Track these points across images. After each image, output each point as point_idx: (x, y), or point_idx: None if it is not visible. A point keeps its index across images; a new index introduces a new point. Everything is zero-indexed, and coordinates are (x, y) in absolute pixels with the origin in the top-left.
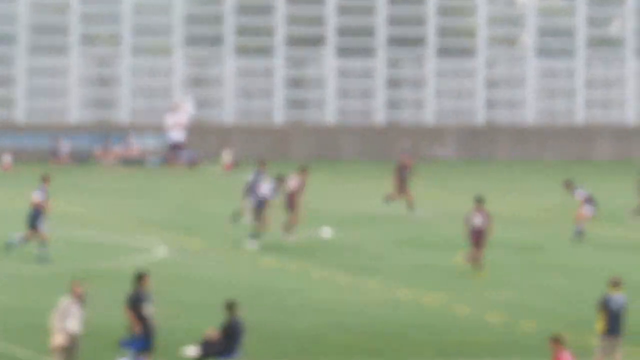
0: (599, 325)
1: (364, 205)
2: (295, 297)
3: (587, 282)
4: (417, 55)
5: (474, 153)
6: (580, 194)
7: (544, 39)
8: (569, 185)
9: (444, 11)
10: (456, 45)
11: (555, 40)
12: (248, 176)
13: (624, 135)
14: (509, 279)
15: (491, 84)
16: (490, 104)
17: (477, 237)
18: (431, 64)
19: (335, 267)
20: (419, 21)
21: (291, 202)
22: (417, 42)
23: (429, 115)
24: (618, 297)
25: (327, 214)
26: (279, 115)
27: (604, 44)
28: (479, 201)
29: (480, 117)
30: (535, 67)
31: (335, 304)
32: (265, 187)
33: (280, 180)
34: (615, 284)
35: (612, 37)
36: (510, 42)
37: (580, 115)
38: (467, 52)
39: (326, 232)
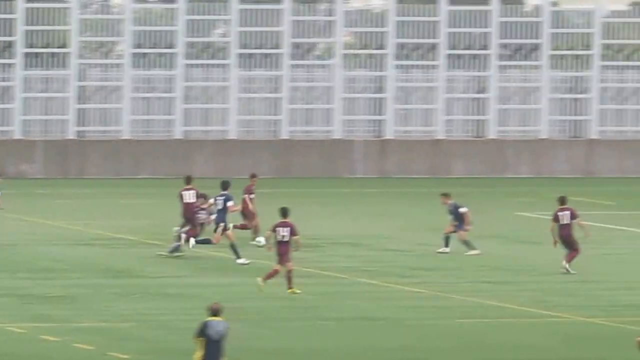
0: (197, 354)
1: None
2: None
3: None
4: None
5: (63, 169)
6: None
7: (140, 46)
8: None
9: (31, 17)
10: (45, 52)
11: (153, 48)
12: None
13: (224, 149)
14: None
15: (83, 94)
16: (83, 117)
17: None
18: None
19: None
20: None
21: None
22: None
23: (16, 129)
24: (217, 323)
25: None
26: None
27: (206, 51)
28: None
29: (71, 130)
30: (131, 77)
31: None
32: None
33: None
34: (215, 310)
35: (214, 44)
36: (105, 49)
37: (178, 130)
38: (58, 60)
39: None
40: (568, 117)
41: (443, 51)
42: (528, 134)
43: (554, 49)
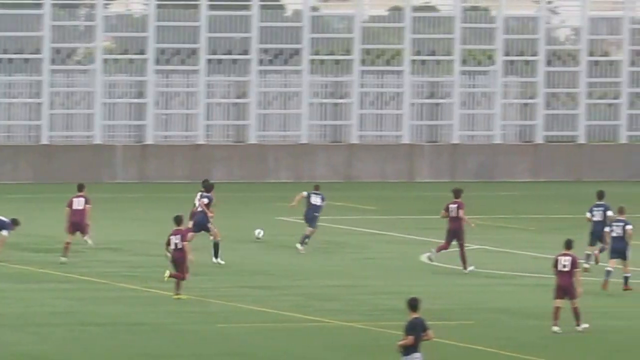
0: None
1: None
2: None
3: None
4: None
5: None
6: None
7: None
8: None
9: None
10: None
11: None
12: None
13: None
14: None
15: None
16: None
17: None
18: None
19: None
20: None
21: None
22: None
23: None
24: None
25: None
26: None
27: None
28: None
29: None
30: None
31: None
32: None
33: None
34: None
35: None
36: None
37: None
38: None
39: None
40: (328, 122)
41: (203, 56)
42: (288, 138)
43: (314, 54)
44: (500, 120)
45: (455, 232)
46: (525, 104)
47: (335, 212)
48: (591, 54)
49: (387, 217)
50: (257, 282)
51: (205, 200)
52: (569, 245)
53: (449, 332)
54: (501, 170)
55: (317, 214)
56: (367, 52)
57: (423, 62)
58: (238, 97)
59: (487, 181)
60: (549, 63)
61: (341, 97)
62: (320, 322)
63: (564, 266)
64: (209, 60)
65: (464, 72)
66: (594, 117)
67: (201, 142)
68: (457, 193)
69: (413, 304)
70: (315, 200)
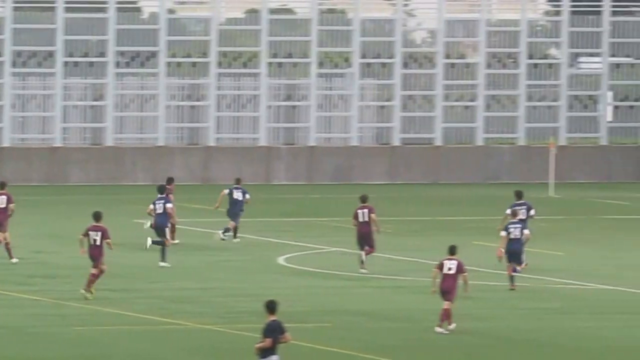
0: None
1: None
2: None
3: None
4: None
5: None
6: None
7: None
8: None
9: None
10: None
11: None
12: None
13: None
14: None
15: None
16: None
17: None
18: None
19: None
20: None
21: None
22: None
23: None
24: None
25: None
26: None
27: None
28: None
29: None
30: None
31: None
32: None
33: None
34: None
35: None
36: None
37: None
38: None
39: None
40: (185, 125)
41: (60, 58)
42: (145, 141)
43: (170, 57)
44: (357, 122)
45: (364, 237)
46: (382, 107)
47: (193, 214)
48: (447, 56)
49: (244, 219)
50: (113, 285)
51: (170, 205)
52: (452, 251)
53: (307, 334)
54: (358, 173)
55: (242, 211)
56: (224, 54)
57: (280, 64)
58: (95, 100)
59: (344, 183)
60: (405, 65)
61: (198, 100)
62: (177, 325)
63: (449, 269)
64: (66, 63)
65: (320, 75)
66: (450, 120)
67: (58, 144)
68: (364, 198)
69: (271, 307)
70: (238, 195)
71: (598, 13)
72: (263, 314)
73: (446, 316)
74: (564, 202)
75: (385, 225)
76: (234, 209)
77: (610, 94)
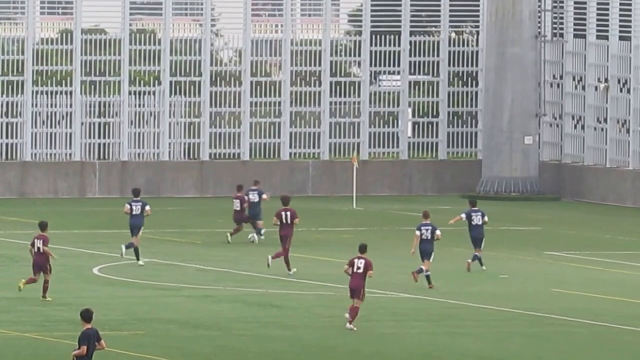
0: None
1: None
2: None
3: None
4: None
5: None
6: None
7: None
8: None
9: None
10: None
11: None
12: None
13: None
14: None
15: None
16: None
17: None
18: None
19: None
20: None
21: None
22: None
23: None
24: None
25: None
26: None
27: None
28: None
29: None
30: None
31: None
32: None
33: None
34: None
35: None
36: None
37: None
38: None
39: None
40: (2, 141)
41: None
42: None
43: None
44: (168, 138)
45: (286, 238)
46: (191, 123)
47: (10, 227)
48: (254, 74)
49: (60, 231)
50: None
51: (148, 208)
52: (362, 249)
53: (121, 341)
54: (169, 186)
55: (260, 210)
56: (39, 73)
57: (93, 82)
58: None
59: (155, 197)
60: (214, 83)
61: (15, 116)
62: None
63: (358, 268)
64: None
65: (132, 92)
66: (257, 135)
67: None
68: (285, 200)
69: (86, 315)
70: (254, 197)
71: (397, 33)
72: (79, 323)
73: (353, 314)
74: (367, 215)
75: (195, 237)
76: (253, 210)
77: (409, 110)
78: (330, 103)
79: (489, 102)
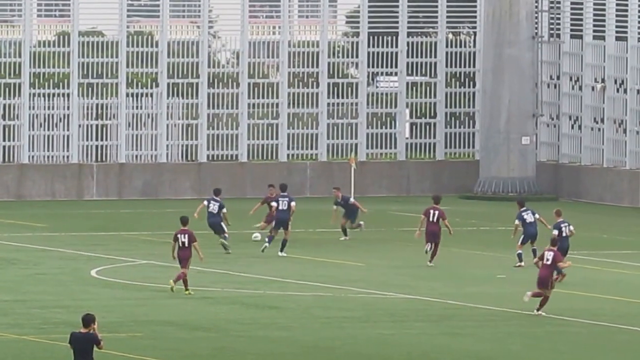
0: None
1: None
2: None
3: None
4: None
5: None
6: None
7: None
8: None
9: None
10: None
11: None
12: None
13: None
14: None
15: None
16: None
17: None
18: None
19: None
20: None
21: None
22: None
23: None
24: None
25: None
26: None
27: None
28: None
29: None
30: None
31: None
32: None
33: None
34: None
35: None
36: None
37: None
38: None
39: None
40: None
41: None
42: None
43: None
44: (165, 140)
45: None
46: (189, 125)
47: (7, 229)
48: (251, 76)
49: (58, 234)
50: None
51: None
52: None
53: (119, 344)
54: (166, 188)
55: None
56: (36, 75)
57: (90, 84)
58: None
59: (153, 199)
60: (211, 85)
61: (12, 119)
62: None
63: (547, 260)
64: None
65: (129, 94)
66: (254, 137)
67: None
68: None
69: (83, 319)
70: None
71: (395, 34)
72: (78, 325)
73: (543, 303)
74: (365, 216)
75: None
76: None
77: (407, 111)
78: (328, 104)
79: (486, 102)
